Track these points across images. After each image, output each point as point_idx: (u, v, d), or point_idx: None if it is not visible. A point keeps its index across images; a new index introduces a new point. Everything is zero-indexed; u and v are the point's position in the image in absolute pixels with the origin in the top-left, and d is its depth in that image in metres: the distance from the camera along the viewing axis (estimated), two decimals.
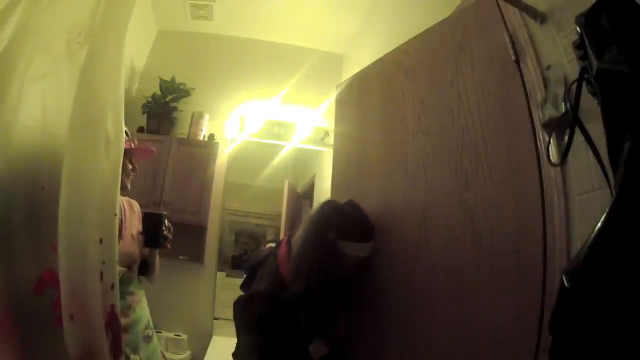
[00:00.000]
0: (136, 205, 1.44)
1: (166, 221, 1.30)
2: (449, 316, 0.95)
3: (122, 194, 1.34)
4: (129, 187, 1.33)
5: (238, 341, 1.06)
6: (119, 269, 1.24)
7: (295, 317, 1.03)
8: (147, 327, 1.33)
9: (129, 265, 1.27)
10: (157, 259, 1.42)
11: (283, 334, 1.02)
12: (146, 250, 1.36)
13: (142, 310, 1.33)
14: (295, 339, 1.05)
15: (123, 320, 1.21)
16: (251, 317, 1.05)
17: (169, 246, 1.32)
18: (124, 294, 1.21)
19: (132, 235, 1.31)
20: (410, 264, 1.07)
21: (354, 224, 1.09)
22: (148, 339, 1.32)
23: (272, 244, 1.29)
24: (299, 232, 1.12)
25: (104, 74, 0.76)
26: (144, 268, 1.39)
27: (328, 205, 1.14)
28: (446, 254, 0.99)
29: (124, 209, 1.35)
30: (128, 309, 1.24)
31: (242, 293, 1.18)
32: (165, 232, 1.29)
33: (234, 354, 1.07)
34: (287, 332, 1.03)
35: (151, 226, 1.28)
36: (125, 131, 1.36)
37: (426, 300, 1.01)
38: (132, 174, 1.35)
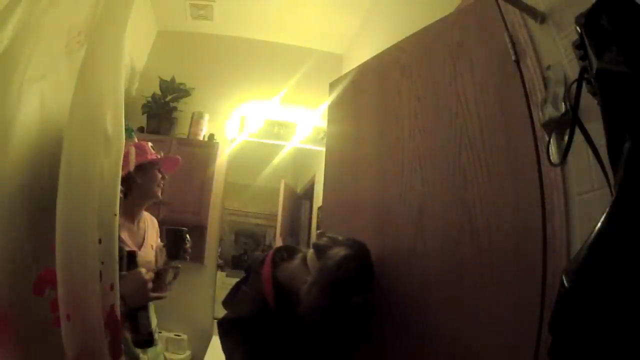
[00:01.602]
0: (155, 222, 1.59)
1: (187, 236, 1.38)
2: (448, 316, 0.94)
3: (155, 202, 1.49)
4: (160, 195, 1.48)
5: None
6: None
7: (280, 344, 0.98)
8: (154, 331, 1.38)
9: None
10: (170, 275, 1.48)
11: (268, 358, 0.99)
12: (161, 264, 1.44)
13: (151, 315, 1.39)
14: None
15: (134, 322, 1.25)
16: (234, 345, 1.01)
17: (187, 258, 1.39)
18: None
19: (151, 246, 1.44)
20: (407, 264, 1.07)
21: (368, 282, 1.00)
22: (154, 342, 1.37)
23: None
24: (311, 280, 0.96)
25: (102, 74, 0.76)
26: (158, 281, 1.44)
27: (347, 265, 0.96)
28: (444, 254, 0.99)
29: (147, 222, 1.50)
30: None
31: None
32: (186, 246, 1.37)
33: None
34: (272, 357, 0.99)
35: (173, 240, 1.36)
36: (152, 146, 1.46)
37: (423, 301, 1.01)
38: (162, 182, 1.49)
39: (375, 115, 1.33)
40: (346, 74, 1.54)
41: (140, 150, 1.45)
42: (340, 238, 1.05)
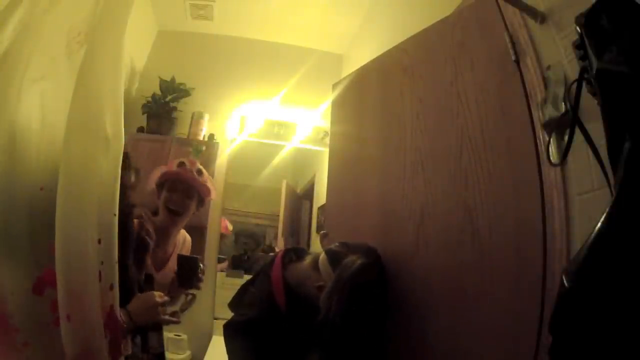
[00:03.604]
0: (188, 241, 1.53)
1: (201, 265, 1.31)
2: (449, 316, 0.95)
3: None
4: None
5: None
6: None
7: (290, 347, 0.98)
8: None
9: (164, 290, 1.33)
10: (181, 302, 1.46)
11: None
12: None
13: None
14: None
15: None
16: (242, 349, 1.00)
17: (200, 287, 1.33)
18: None
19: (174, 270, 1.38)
20: (409, 264, 1.07)
21: (383, 288, 1.04)
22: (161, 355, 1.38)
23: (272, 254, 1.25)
24: (328, 289, 0.95)
25: (102, 74, 0.76)
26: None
27: (364, 275, 0.96)
28: (445, 254, 0.99)
29: (179, 241, 1.45)
30: None
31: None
32: (199, 275, 1.30)
33: None
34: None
35: (185, 268, 1.30)
36: (201, 169, 1.42)
37: (425, 301, 1.01)
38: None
39: (378, 116, 1.33)
40: (349, 75, 1.55)
41: (163, 168, 1.43)
42: (352, 244, 1.04)
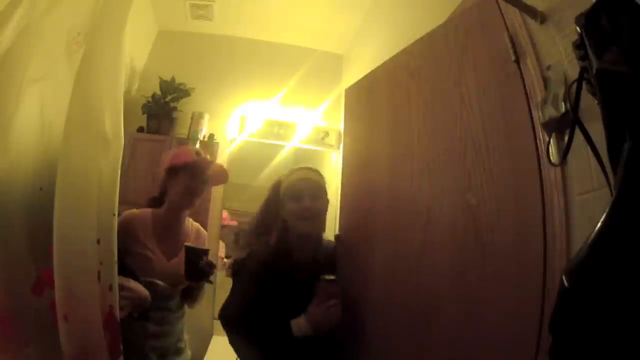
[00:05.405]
0: (203, 235, 1.53)
1: (205, 257, 1.27)
2: (451, 315, 0.95)
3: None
4: (192, 204, 1.41)
5: (231, 293, 1.19)
6: (163, 285, 1.25)
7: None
8: (179, 340, 1.38)
9: (174, 284, 1.31)
10: (202, 291, 1.43)
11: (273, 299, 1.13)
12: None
13: (177, 325, 1.37)
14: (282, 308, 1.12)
15: (157, 328, 1.26)
16: (248, 273, 1.16)
17: (211, 281, 1.31)
18: (161, 308, 1.27)
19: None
20: (415, 264, 1.08)
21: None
22: (179, 350, 1.38)
23: None
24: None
25: (100, 73, 0.76)
26: (187, 294, 1.39)
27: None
28: (449, 254, 0.99)
29: (191, 232, 1.46)
30: (162, 319, 1.29)
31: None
32: (205, 268, 1.26)
33: (223, 307, 1.17)
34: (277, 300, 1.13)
35: (191, 260, 1.26)
36: (197, 151, 1.40)
37: (429, 300, 1.02)
38: (197, 190, 1.40)
39: (387, 119, 1.35)
40: (360, 80, 1.56)
41: (177, 154, 1.42)
42: None
